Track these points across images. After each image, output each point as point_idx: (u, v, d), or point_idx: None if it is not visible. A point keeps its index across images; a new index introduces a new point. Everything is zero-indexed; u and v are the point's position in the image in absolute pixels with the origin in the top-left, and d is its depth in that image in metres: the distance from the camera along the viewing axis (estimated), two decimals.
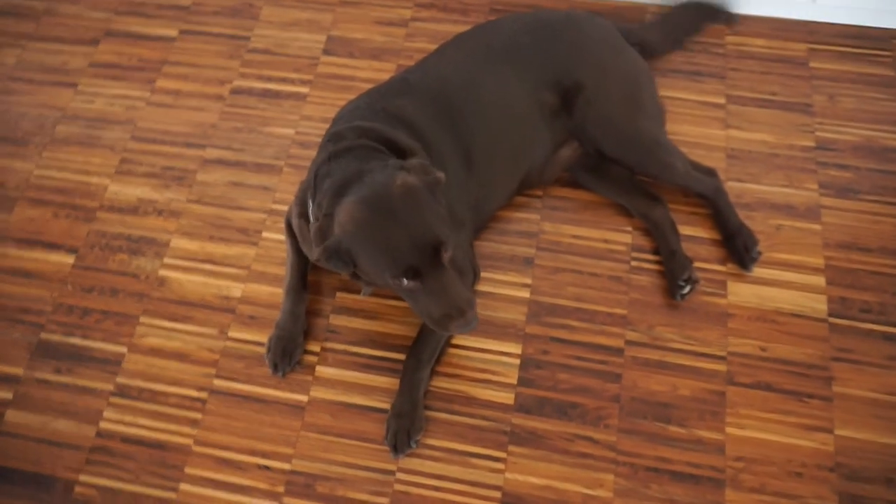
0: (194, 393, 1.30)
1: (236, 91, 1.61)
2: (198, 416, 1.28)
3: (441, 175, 1.06)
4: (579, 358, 1.28)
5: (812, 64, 1.54)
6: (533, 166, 1.34)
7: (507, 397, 1.26)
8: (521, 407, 1.25)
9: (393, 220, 0.99)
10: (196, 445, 1.25)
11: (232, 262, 1.42)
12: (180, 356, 1.33)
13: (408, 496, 1.19)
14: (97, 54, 1.69)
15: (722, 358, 1.27)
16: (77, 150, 1.57)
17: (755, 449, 1.19)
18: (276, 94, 1.59)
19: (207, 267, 1.41)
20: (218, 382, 1.30)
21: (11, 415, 1.30)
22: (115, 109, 1.61)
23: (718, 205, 1.34)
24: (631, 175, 1.39)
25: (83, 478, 1.24)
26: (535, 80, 1.28)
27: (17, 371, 1.33)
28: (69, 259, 1.44)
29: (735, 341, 1.28)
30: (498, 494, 1.18)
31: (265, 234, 1.44)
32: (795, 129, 1.47)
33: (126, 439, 1.26)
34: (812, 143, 1.45)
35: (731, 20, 1.51)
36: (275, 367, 1.28)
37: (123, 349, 1.34)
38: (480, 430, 1.23)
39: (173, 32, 1.70)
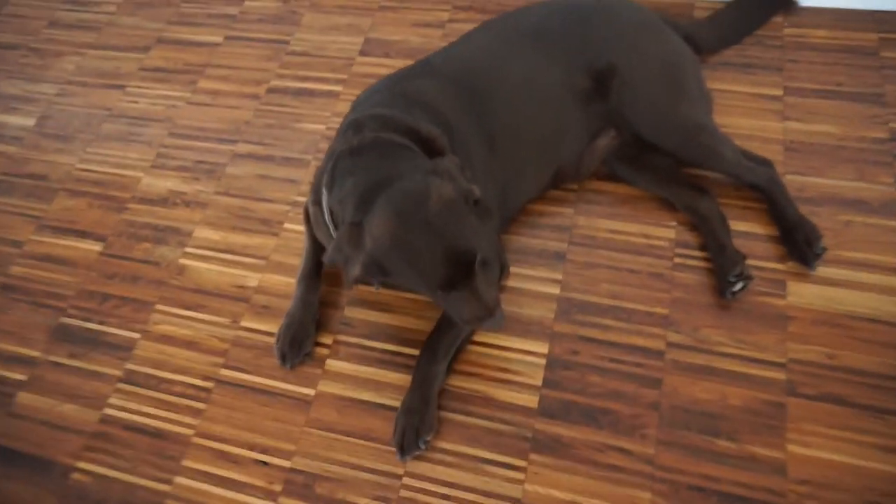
0: (200, 382, 1.24)
1: (272, 90, 1.62)
2: (201, 405, 1.21)
3: (474, 188, 1.00)
4: (613, 360, 1.15)
5: (883, 53, 1.40)
6: (567, 156, 1.25)
7: (529, 400, 1.13)
8: (546, 411, 1.11)
9: (430, 236, 0.94)
10: (196, 437, 1.18)
11: (251, 252, 1.38)
12: (190, 344, 1.28)
13: (414, 503, 1.07)
14: (147, 59, 1.75)
15: (780, 365, 1.10)
16: (117, 146, 1.60)
17: (823, 471, 1.00)
18: (311, 93, 1.59)
19: (227, 256, 1.38)
20: (224, 372, 1.24)
21: (23, 396, 1.27)
22: (157, 108, 1.65)
23: (774, 196, 1.20)
24: (674, 165, 1.27)
25: (81, 464, 1.18)
26: (565, 64, 1.21)
27: (35, 353, 1.32)
28: (97, 247, 1.44)
29: (796, 347, 1.11)
30: None
31: (287, 225, 1.40)
32: (866, 120, 1.32)
33: (127, 426, 1.21)
34: (886, 135, 1.29)
35: (791, 7, 1.41)
36: (283, 358, 1.21)
37: (136, 335, 1.31)
38: (498, 435, 1.10)
39: (219, 38, 1.75)
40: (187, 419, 1.20)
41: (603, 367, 1.14)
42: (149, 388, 1.25)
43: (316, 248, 1.27)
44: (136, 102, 1.67)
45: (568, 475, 1.05)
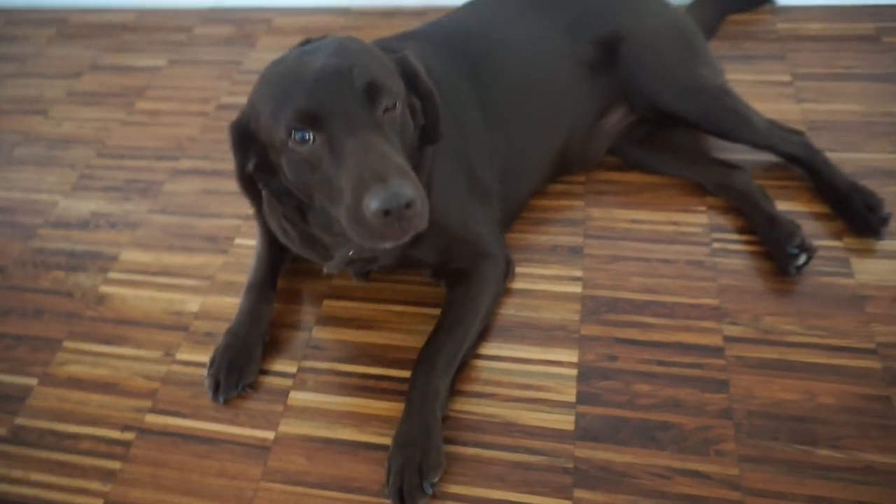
0: (116, 434, 0.91)
1: (223, 107, 1.42)
2: (116, 465, 0.88)
3: (429, 84, 0.82)
4: (661, 363, 0.90)
5: (886, 39, 1.33)
6: (573, 136, 1.08)
7: (563, 420, 0.86)
8: (587, 433, 0.84)
9: (310, 58, 0.74)
10: None
11: (192, 273, 1.10)
12: (106, 387, 0.97)
13: None
14: (77, 85, 1.54)
15: (870, 351, 0.88)
16: (32, 170, 1.34)
17: None
18: None
19: (160, 280, 1.10)
20: (151, 419, 0.92)
21: None
22: (84, 131, 1.41)
23: (816, 165, 1.04)
24: (695, 142, 1.11)
25: None
26: (568, 32, 1.07)
27: None
28: None
29: (883, 329, 0.90)
30: None
31: (238, 241, 1.15)
32: (888, 96, 1.21)
33: None
34: None
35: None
36: (215, 389, 0.91)
37: (33, 381, 0.99)
38: (528, 469, 0.82)
39: (162, 62, 1.57)
40: (94, 485, 0.86)
41: (651, 373, 0.89)
42: (43, 447, 0.91)
43: (272, 250, 1.01)
44: (59, 126, 1.44)
45: None
